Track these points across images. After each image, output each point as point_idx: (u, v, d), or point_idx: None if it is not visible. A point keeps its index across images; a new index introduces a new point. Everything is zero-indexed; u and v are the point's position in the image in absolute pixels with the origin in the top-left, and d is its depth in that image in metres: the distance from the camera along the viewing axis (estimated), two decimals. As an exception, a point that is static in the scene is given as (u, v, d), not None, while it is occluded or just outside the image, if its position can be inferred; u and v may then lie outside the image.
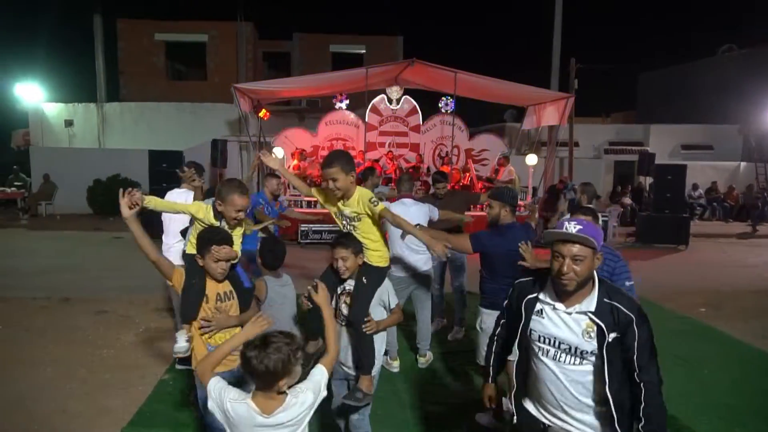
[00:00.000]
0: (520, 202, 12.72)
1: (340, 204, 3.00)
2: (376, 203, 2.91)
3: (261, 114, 12.60)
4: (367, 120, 14.17)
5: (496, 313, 3.39)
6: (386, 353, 4.54)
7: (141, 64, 18.41)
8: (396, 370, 4.61)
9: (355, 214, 2.97)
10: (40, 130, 16.45)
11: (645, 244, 11.91)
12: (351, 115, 14.29)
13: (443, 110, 14.53)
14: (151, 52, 18.49)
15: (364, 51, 20.29)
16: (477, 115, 19.13)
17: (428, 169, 14.15)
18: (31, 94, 16.39)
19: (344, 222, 3.05)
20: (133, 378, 4.34)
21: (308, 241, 10.94)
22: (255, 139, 13.75)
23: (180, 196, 4.44)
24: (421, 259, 4.50)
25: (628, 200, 15.87)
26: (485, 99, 14.05)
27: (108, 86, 17.32)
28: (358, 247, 2.88)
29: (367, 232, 2.98)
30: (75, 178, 14.13)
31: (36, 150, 15.30)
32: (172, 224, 4.53)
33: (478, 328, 3.61)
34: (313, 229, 10.92)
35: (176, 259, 4.35)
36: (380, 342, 3.01)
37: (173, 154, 11.37)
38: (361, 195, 2.94)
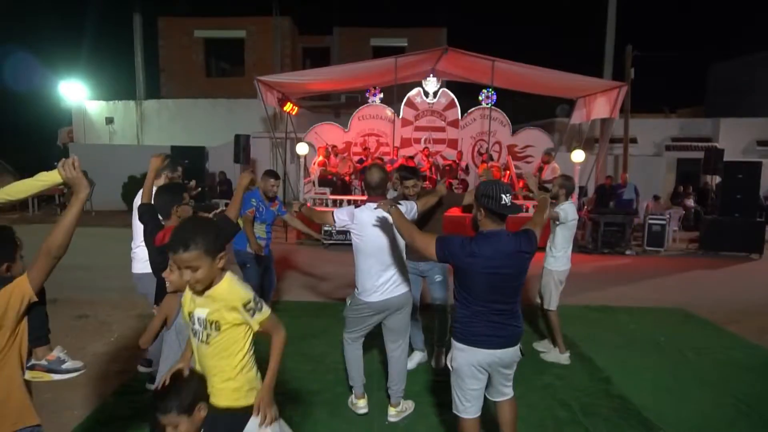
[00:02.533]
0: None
1: (192, 300, 2.08)
2: (254, 311, 2.02)
3: (286, 108, 12.06)
4: (401, 114, 13.44)
5: (472, 350, 2.59)
6: (350, 388, 3.77)
7: (181, 61, 18.46)
8: (363, 411, 3.67)
9: (213, 321, 2.01)
10: (83, 128, 16.72)
11: (710, 252, 10.56)
12: (385, 110, 13.57)
13: (484, 103, 13.53)
14: (191, 49, 18.50)
15: (406, 44, 19.53)
16: (526, 111, 17.97)
17: (467, 167, 13.26)
18: (75, 92, 16.67)
19: (194, 329, 2.08)
20: (76, 399, 3.81)
21: (332, 241, 10.30)
22: (290, 135, 13.29)
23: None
24: (392, 278, 3.45)
25: (691, 202, 14.31)
26: (527, 90, 12.95)
27: (148, 84, 17.42)
28: (189, 399, 1.95)
29: (223, 351, 2.03)
30: (112, 175, 14.19)
31: (75, 147, 15.52)
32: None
33: (448, 365, 2.76)
34: (337, 229, 10.25)
35: (141, 265, 3.84)
36: None
37: (196, 150, 11.06)
38: (230, 292, 2.01)
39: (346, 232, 10.17)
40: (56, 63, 18.60)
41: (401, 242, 3.46)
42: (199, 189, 4.73)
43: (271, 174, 5.11)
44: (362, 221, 3.41)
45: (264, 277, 5.28)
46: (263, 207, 5.05)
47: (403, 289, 3.49)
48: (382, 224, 3.39)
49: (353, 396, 3.74)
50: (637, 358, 4.80)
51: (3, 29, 19.77)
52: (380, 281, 3.41)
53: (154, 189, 3.40)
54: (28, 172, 2.60)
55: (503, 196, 2.54)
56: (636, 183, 12.74)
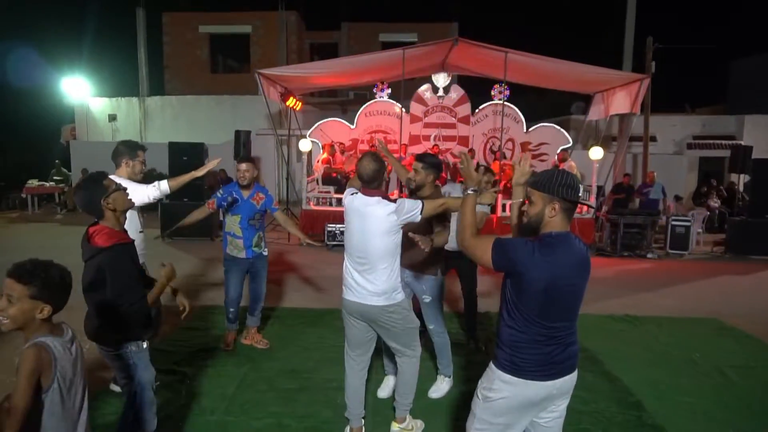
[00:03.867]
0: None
1: None
2: None
3: (289, 103, 11.59)
4: (410, 110, 12.91)
5: (524, 384, 2.01)
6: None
7: (185, 57, 18.09)
8: None
9: None
10: (86, 125, 16.40)
11: (737, 256, 9.91)
12: (393, 106, 13.04)
13: (496, 99, 12.95)
14: (196, 44, 18.11)
15: (416, 39, 18.93)
16: (540, 109, 17.34)
17: (478, 165, 12.66)
18: (77, 89, 16.36)
19: None
20: None
21: (336, 242, 9.80)
22: (295, 132, 12.83)
23: None
24: (367, 282, 2.96)
25: (715, 202, 13.60)
26: (542, 85, 12.35)
27: (151, 80, 17.06)
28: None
29: None
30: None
31: (76, 144, 15.21)
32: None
33: (478, 395, 2.16)
34: (341, 229, 9.76)
35: None
36: None
37: (195, 146, 10.61)
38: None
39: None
40: (59, 59, 18.29)
41: (391, 248, 2.94)
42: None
43: (240, 159, 4.53)
44: (349, 209, 3.02)
45: (251, 285, 4.72)
46: (238, 198, 4.41)
47: (376, 300, 2.95)
48: (369, 221, 2.91)
49: (348, 428, 3.22)
50: (671, 378, 4.22)
51: (4, 25, 19.55)
52: (355, 279, 2.98)
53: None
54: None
55: (580, 186, 2.10)
56: (643, 182, 12.10)
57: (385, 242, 2.90)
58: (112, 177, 3.42)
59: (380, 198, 2.93)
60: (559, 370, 2.09)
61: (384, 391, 3.77)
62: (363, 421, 3.24)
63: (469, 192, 2.27)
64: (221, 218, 4.59)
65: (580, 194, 2.11)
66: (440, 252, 3.65)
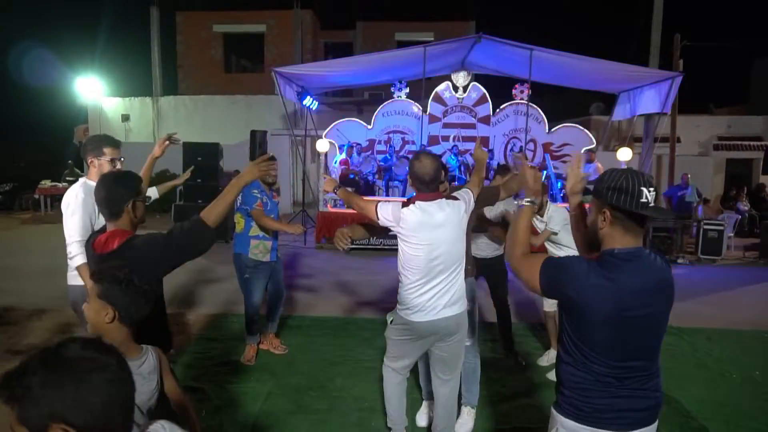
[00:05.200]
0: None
1: None
2: None
3: (306, 102, 11.30)
4: (428, 110, 12.57)
5: (585, 430, 1.60)
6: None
7: (199, 56, 17.88)
8: None
9: None
10: (99, 125, 16.24)
11: (773, 261, 9.47)
12: (411, 105, 12.70)
13: (518, 98, 12.58)
14: (209, 44, 17.90)
15: (432, 38, 18.53)
16: (560, 110, 16.93)
17: (498, 164, 12.31)
18: (91, 88, 16.19)
19: None
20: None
21: (355, 246, 9.46)
22: (310, 132, 12.54)
23: (75, 196, 3.00)
24: (443, 293, 2.67)
25: (744, 205, 13.12)
26: (566, 84, 11.97)
27: (165, 80, 16.87)
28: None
29: None
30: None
31: (90, 144, 15.03)
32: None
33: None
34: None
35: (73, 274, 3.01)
36: None
37: (209, 146, 10.36)
38: None
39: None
40: (72, 59, 18.15)
41: (462, 248, 2.71)
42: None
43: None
44: (411, 225, 2.63)
45: (270, 288, 4.43)
46: (267, 199, 4.19)
47: (457, 308, 2.70)
48: (442, 226, 2.61)
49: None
50: (733, 400, 3.85)
51: (19, 25, 19.49)
52: (428, 296, 2.65)
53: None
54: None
55: (643, 189, 1.61)
56: (677, 184, 11.68)
57: (462, 245, 2.69)
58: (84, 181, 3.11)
59: (446, 200, 2.67)
60: (636, 420, 1.68)
61: (423, 419, 3.41)
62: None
63: (525, 203, 1.93)
64: (249, 222, 4.25)
65: (644, 200, 1.60)
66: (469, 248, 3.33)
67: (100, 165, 3.03)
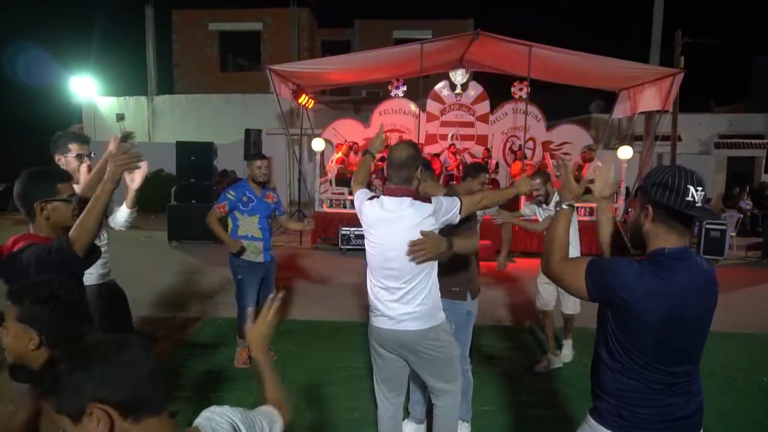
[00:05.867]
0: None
1: None
2: None
3: (301, 100, 11.14)
4: (426, 109, 12.41)
5: None
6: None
7: (195, 55, 17.71)
8: None
9: None
10: (93, 125, 16.08)
11: (777, 262, 9.31)
12: (409, 104, 12.54)
13: (516, 96, 12.42)
14: (205, 42, 17.73)
15: (430, 36, 18.40)
16: (559, 108, 16.77)
17: (497, 165, 12.16)
18: (85, 87, 16.04)
19: None
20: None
21: (350, 247, 9.34)
22: (307, 131, 12.38)
23: None
24: (402, 302, 2.42)
25: (746, 204, 12.96)
26: (565, 82, 11.79)
27: (160, 79, 16.71)
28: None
29: None
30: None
31: (84, 144, 14.88)
32: None
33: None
34: (356, 232, 9.30)
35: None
36: None
37: (203, 146, 10.18)
38: None
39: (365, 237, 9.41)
40: (66, 58, 18.00)
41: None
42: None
43: (250, 156, 4.17)
44: (368, 219, 2.46)
45: (262, 292, 4.27)
46: (252, 198, 4.07)
47: (415, 324, 2.41)
48: (395, 225, 2.36)
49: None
50: (741, 408, 3.69)
51: (12, 23, 19.30)
52: (385, 302, 2.43)
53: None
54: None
55: (690, 188, 1.52)
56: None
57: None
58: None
59: (411, 199, 2.36)
60: (683, 428, 1.61)
61: None
62: None
63: (564, 207, 1.81)
64: (235, 222, 4.14)
65: (690, 198, 1.51)
66: (467, 266, 3.07)
67: (66, 162, 2.89)
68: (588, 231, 5.09)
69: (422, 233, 2.31)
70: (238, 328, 4.19)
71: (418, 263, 2.33)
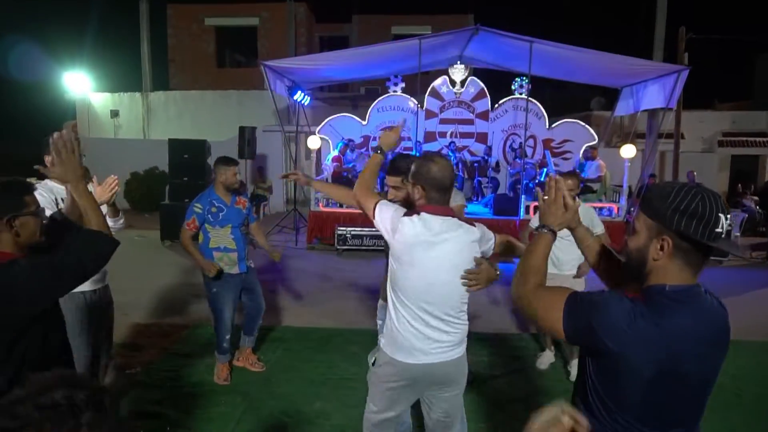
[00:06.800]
0: (610, 205, 10.17)
1: None
2: None
3: (297, 97, 10.92)
4: (425, 105, 12.18)
5: None
6: None
7: (191, 51, 17.45)
8: None
9: None
10: (87, 121, 15.85)
11: (783, 262, 9.10)
12: (407, 101, 12.31)
13: (517, 93, 12.18)
14: (201, 38, 17.47)
15: (429, 32, 18.18)
16: (559, 105, 16.54)
17: (497, 163, 11.94)
18: (79, 83, 15.79)
19: None
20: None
21: (347, 247, 9.12)
22: (303, 128, 12.15)
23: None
24: (443, 332, 2.17)
25: (750, 203, 12.74)
26: (567, 79, 11.58)
27: (155, 75, 16.44)
28: None
29: None
30: (117, 171, 13.12)
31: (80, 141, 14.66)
32: None
33: None
34: (352, 232, 9.09)
35: None
36: None
37: (196, 143, 9.96)
38: None
39: (361, 237, 9.17)
40: (59, 53, 17.73)
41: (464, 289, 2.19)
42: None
43: (223, 161, 3.80)
44: (407, 239, 2.10)
45: (247, 302, 4.05)
46: (222, 207, 3.78)
47: (456, 351, 2.21)
48: (442, 248, 2.11)
49: None
50: (749, 425, 3.49)
51: (5, 18, 19.04)
52: (426, 335, 2.15)
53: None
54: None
55: (721, 216, 1.25)
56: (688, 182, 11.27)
57: (460, 272, 2.17)
58: (43, 189, 2.75)
59: (457, 220, 2.16)
60: None
61: None
62: None
63: (544, 232, 1.55)
64: (206, 235, 3.86)
65: (719, 229, 1.24)
66: None
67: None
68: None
69: (477, 260, 2.13)
70: (217, 344, 3.93)
71: (469, 291, 2.14)
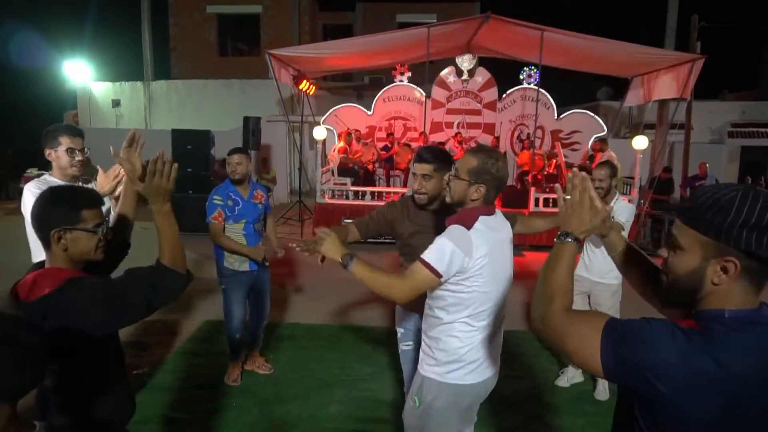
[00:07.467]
0: (622, 198, 9.91)
1: None
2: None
3: (302, 87, 10.72)
4: (432, 95, 11.97)
5: None
6: None
7: (192, 39, 17.17)
8: None
9: None
10: (88, 111, 15.65)
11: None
12: (413, 90, 12.11)
13: (525, 83, 11.97)
14: (203, 26, 17.19)
15: (435, 20, 17.90)
16: (565, 95, 16.30)
17: (505, 154, 11.74)
18: (79, 72, 15.57)
19: None
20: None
21: (353, 241, 8.95)
22: (308, 118, 11.96)
23: (30, 197, 2.53)
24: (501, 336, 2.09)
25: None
26: (576, 68, 11.37)
27: (156, 64, 16.21)
28: None
29: None
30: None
31: (79, 131, 14.52)
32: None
33: None
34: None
35: None
36: None
37: (199, 133, 9.78)
38: None
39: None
40: (60, 41, 17.48)
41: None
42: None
43: (231, 150, 3.66)
44: (483, 249, 1.85)
45: (253, 304, 3.89)
46: (238, 200, 3.61)
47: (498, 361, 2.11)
48: (506, 245, 2.03)
49: None
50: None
51: (3, 4, 18.74)
52: (494, 342, 2.01)
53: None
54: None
55: None
56: (694, 174, 11.14)
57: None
58: (41, 183, 2.59)
59: (500, 211, 2.10)
60: None
61: None
62: None
63: (567, 241, 1.31)
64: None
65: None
66: None
67: (57, 157, 2.62)
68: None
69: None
70: (228, 342, 3.80)
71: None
